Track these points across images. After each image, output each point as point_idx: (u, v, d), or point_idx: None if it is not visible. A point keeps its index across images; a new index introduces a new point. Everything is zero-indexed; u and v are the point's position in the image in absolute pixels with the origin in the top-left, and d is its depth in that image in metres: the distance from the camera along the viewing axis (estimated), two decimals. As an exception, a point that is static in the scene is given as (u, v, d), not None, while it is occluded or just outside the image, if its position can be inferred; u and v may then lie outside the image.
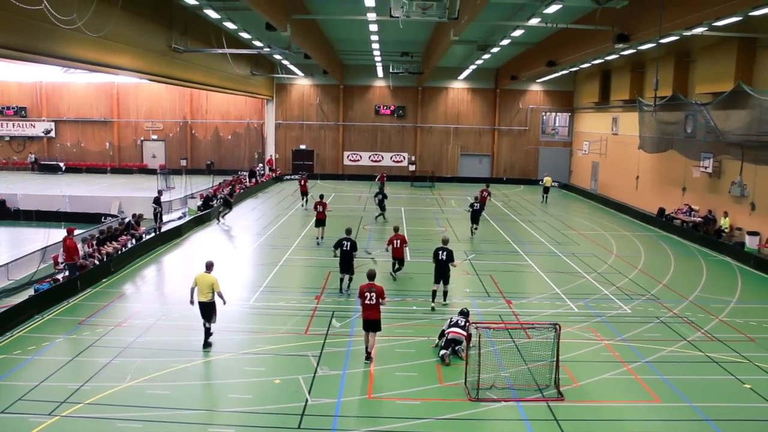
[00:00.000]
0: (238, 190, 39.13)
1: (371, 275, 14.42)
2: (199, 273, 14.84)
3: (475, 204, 29.37)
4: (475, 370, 12.40)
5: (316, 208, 27.73)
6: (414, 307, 17.96)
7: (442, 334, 14.66)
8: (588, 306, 18.52)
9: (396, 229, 21.51)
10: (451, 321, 14.56)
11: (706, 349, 15.13)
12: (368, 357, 14.01)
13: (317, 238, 27.18)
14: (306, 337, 15.44)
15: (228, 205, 32.84)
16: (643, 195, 37.70)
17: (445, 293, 18.40)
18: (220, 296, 14.65)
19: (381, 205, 32.79)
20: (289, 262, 23.68)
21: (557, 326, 12.75)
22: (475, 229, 29.44)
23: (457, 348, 14.04)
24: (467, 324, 14.22)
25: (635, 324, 16.91)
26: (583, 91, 48.72)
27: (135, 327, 15.91)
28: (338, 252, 19.42)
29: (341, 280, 19.58)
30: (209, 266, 14.91)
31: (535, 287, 20.88)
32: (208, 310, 14.65)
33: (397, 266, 21.34)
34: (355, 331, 15.78)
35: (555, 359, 12.62)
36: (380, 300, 13.93)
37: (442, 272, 18.08)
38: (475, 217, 29.17)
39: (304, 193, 37.99)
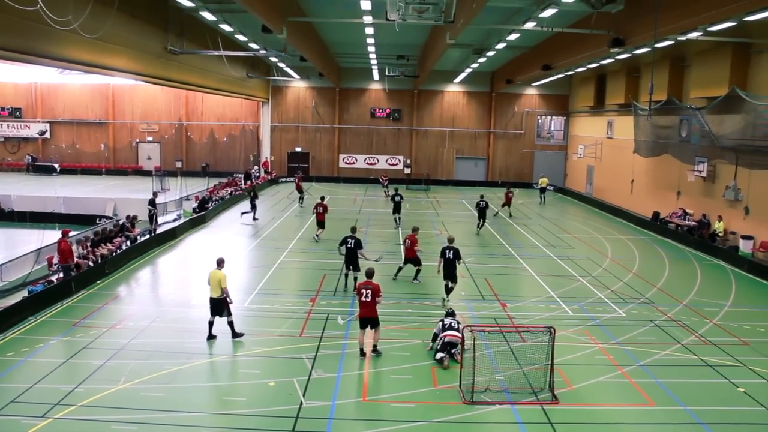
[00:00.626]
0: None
1: (369, 273, 14.72)
2: (211, 270, 15.12)
3: (481, 203, 30.95)
4: (470, 373, 12.41)
5: (316, 209, 28.27)
6: (409, 310, 17.95)
7: (435, 337, 14.68)
8: (583, 309, 18.54)
9: (413, 230, 21.51)
10: (444, 324, 14.51)
11: (700, 352, 15.16)
12: (362, 354, 14.26)
13: (316, 235, 28.03)
14: (301, 339, 15.42)
15: (254, 205, 33.50)
16: (638, 199, 37.78)
17: (450, 290, 18.76)
18: (225, 293, 14.90)
19: (397, 208, 32.39)
20: (285, 264, 23.65)
21: (552, 329, 12.76)
22: (481, 225, 31.23)
23: (453, 351, 14.03)
24: (460, 326, 14.26)
25: (630, 327, 16.93)
26: (579, 94, 48.89)
27: (129, 329, 15.86)
28: (343, 249, 19.94)
29: (346, 275, 20.15)
30: (219, 263, 15.29)
31: (530, 290, 20.90)
32: (218, 307, 15.01)
33: (415, 270, 21.06)
34: (350, 334, 15.77)
35: (550, 362, 12.61)
36: (376, 298, 14.14)
37: (450, 270, 18.58)
38: (481, 214, 30.98)
39: (300, 190, 39.15)
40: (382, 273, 20.86)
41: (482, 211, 30.98)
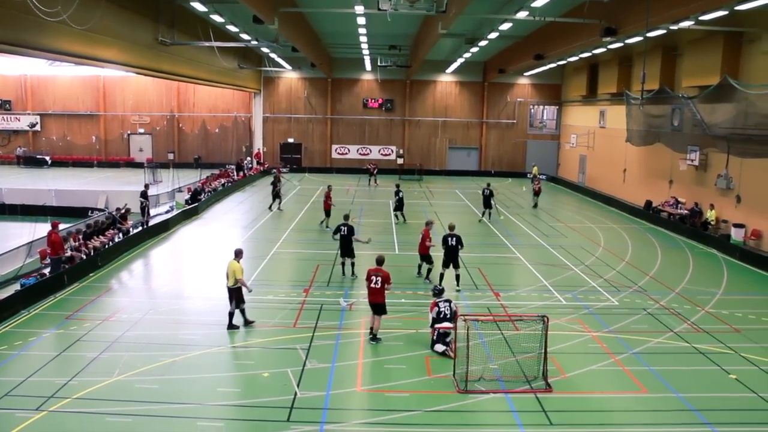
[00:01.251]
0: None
1: (380, 261, 15.17)
2: (229, 260, 15.50)
3: (486, 191, 31.32)
4: (464, 363, 12.46)
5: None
6: (402, 300, 17.96)
7: (434, 321, 14.60)
8: (576, 298, 18.62)
9: (426, 223, 20.42)
10: (440, 311, 14.23)
11: (692, 340, 15.26)
12: (373, 338, 14.67)
13: (321, 222, 29.02)
14: (294, 330, 15.45)
15: (278, 196, 33.63)
16: (631, 188, 37.89)
17: (458, 277, 19.13)
18: (240, 283, 15.23)
19: (400, 205, 31.13)
20: (278, 255, 23.64)
21: (545, 318, 12.80)
22: (490, 214, 31.63)
23: (448, 340, 14.01)
24: (452, 305, 14.32)
25: (622, 316, 17.02)
26: (571, 84, 48.89)
27: (123, 321, 15.83)
28: (337, 237, 20.51)
29: (342, 264, 20.55)
30: (237, 254, 15.68)
31: (523, 280, 20.96)
32: (231, 296, 15.35)
33: (426, 268, 20.15)
34: (344, 324, 15.85)
35: (543, 351, 12.66)
36: (385, 285, 14.57)
37: (452, 257, 18.92)
38: (486, 202, 31.26)
39: (278, 179, 39.23)
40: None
41: (487, 200, 31.17)
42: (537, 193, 37.25)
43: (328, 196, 28.64)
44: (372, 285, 14.65)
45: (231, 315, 15.39)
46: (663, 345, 14.97)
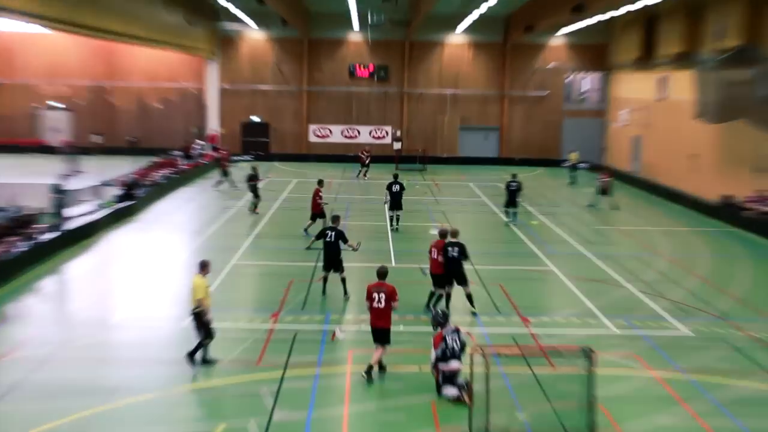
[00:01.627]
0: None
1: (382, 273, 15.30)
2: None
3: (512, 184, 31.33)
4: (483, 412, 12.12)
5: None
6: (401, 327, 17.71)
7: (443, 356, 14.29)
8: (631, 325, 18.47)
9: (442, 235, 19.78)
10: (447, 347, 13.96)
11: (793, 383, 15.05)
12: (368, 371, 14.56)
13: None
14: (259, 368, 15.26)
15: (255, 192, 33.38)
16: (703, 178, 37.72)
17: (469, 296, 18.93)
18: (201, 306, 14.95)
19: (396, 202, 30.25)
20: (237, 268, 23.56)
21: (591, 352, 12.51)
22: (515, 214, 31.73)
23: (459, 382, 13.75)
24: (461, 336, 14.14)
25: (696, 350, 16.85)
26: (622, 44, 49.17)
27: (25, 360, 15.53)
28: (321, 244, 20.45)
29: (324, 278, 20.37)
30: (201, 267, 15.57)
31: (560, 301, 20.92)
32: (195, 322, 15.10)
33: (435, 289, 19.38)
34: (324, 359, 15.69)
35: (588, 396, 12.37)
36: (391, 303, 14.78)
37: (456, 272, 18.69)
38: (512, 199, 31.36)
39: (225, 173, 40.32)
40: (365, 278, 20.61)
41: (513, 195, 31.25)
42: (605, 191, 36.33)
43: (317, 195, 28.21)
44: (374, 305, 14.71)
45: (199, 345, 15.12)
46: (754, 390, 14.70)
